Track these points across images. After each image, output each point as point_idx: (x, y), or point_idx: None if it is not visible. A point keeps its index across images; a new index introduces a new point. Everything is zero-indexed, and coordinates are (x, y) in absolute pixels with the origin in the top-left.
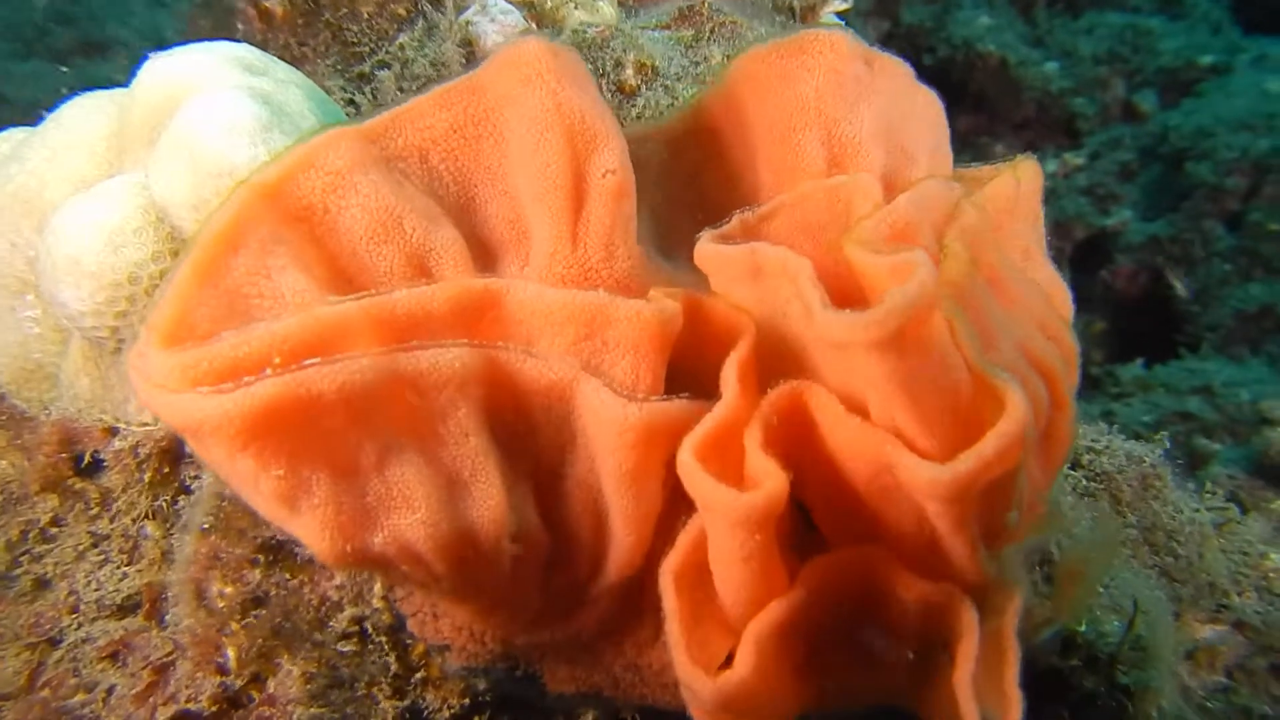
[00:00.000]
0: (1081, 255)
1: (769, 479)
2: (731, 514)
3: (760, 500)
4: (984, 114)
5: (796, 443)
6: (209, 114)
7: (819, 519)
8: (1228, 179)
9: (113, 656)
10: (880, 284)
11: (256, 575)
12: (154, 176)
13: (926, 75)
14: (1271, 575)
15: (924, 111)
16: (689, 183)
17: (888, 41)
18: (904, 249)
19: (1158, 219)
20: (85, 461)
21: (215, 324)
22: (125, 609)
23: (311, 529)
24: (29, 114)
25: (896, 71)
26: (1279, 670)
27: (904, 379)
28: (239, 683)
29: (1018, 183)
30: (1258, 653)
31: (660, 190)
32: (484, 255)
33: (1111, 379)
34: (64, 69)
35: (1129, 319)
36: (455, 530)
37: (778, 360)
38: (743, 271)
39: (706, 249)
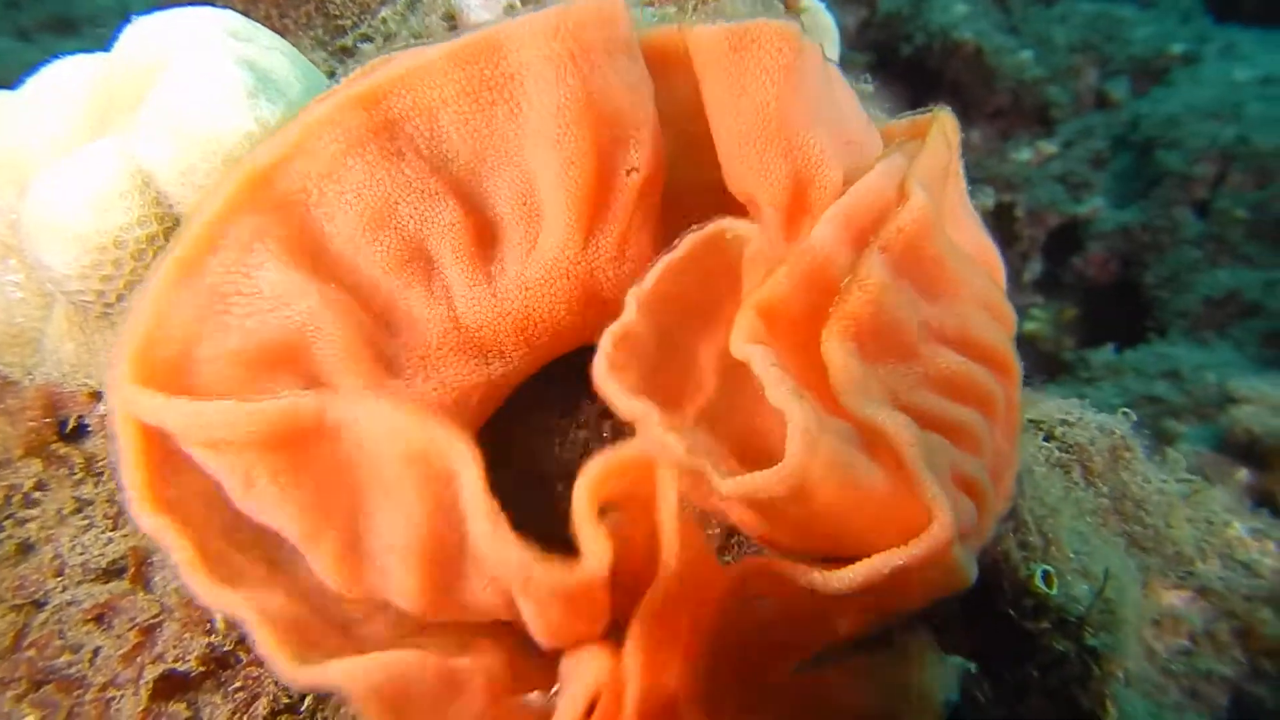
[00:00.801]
0: (1055, 243)
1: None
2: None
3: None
4: (959, 102)
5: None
6: (194, 79)
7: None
8: (1196, 166)
9: (98, 619)
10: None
11: None
12: (139, 141)
13: (904, 64)
14: (1234, 543)
15: (842, 91)
16: None
17: (865, 29)
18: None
19: (1129, 206)
20: (70, 427)
21: (188, 327)
22: (110, 573)
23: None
24: None
25: (816, 55)
26: (1241, 634)
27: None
28: (228, 644)
29: (950, 147)
30: (1221, 618)
31: None
32: (486, 233)
33: (1083, 364)
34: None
35: (1101, 305)
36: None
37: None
38: None
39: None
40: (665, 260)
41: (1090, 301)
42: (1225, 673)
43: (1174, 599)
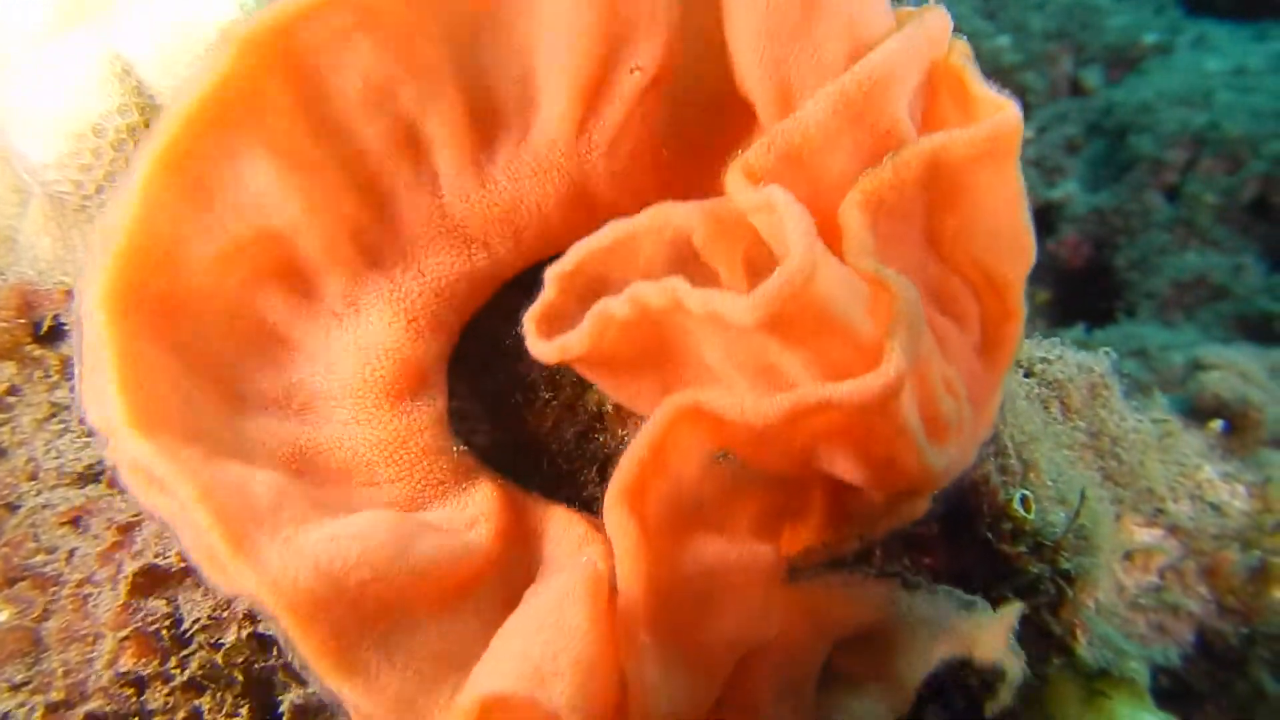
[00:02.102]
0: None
1: None
2: None
3: None
4: None
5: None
6: None
7: None
8: (1168, 152)
9: (74, 522)
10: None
11: None
12: (118, 30)
13: None
14: (1204, 485)
15: None
16: None
17: None
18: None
19: (1101, 191)
20: (45, 327)
21: (174, 222)
22: (86, 478)
23: None
24: None
25: None
26: (1206, 572)
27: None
28: None
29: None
30: (1189, 556)
31: None
32: (485, 118)
33: None
34: None
35: (1073, 288)
36: None
37: None
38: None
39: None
40: (586, 245)
41: (1063, 283)
42: (1191, 608)
43: (1145, 535)
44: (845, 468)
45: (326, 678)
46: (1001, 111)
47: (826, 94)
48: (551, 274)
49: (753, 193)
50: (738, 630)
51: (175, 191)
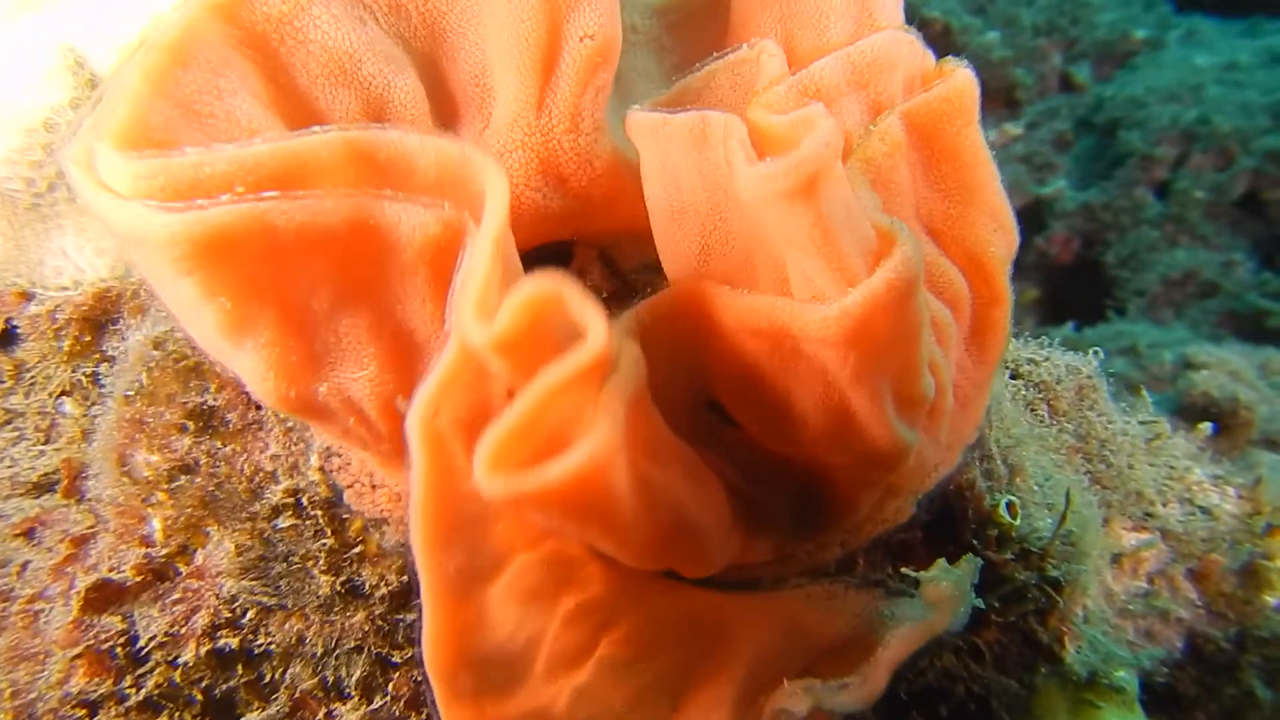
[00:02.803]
0: (1019, 223)
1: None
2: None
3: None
4: None
5: (694, 341)
6: None
7: (735, 415)
8: (1158, 147)
9: (27, 534)
10: (785, 143)
11: (185, 442)
12: (70, 19)
13: None
14: (1194, 488)
15: None
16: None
17: None
18: (806, 106)
19: (1091, 187)
20: None
21: (171, 134)
22: (41, 487)
23: (255, 368)
24: None
25: None
26: (1196, 576)
27: (817, 227)
28: (165, 554)
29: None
30: (1178, 560)
31: (642, 57)
32: (446, 111)
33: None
34: None
35: (1062, 284)
36: (403, 392)
37: (728, 248)
38: (687, 141)
39: (643, 118)
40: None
41: (1052, 280)
42: (1181, 614)
43: (1133, 539)
44: (813, 414)
45: None
46: (956, 71)
47: (838, 55)
48: None
49: (791, 113)
50: None
51: None
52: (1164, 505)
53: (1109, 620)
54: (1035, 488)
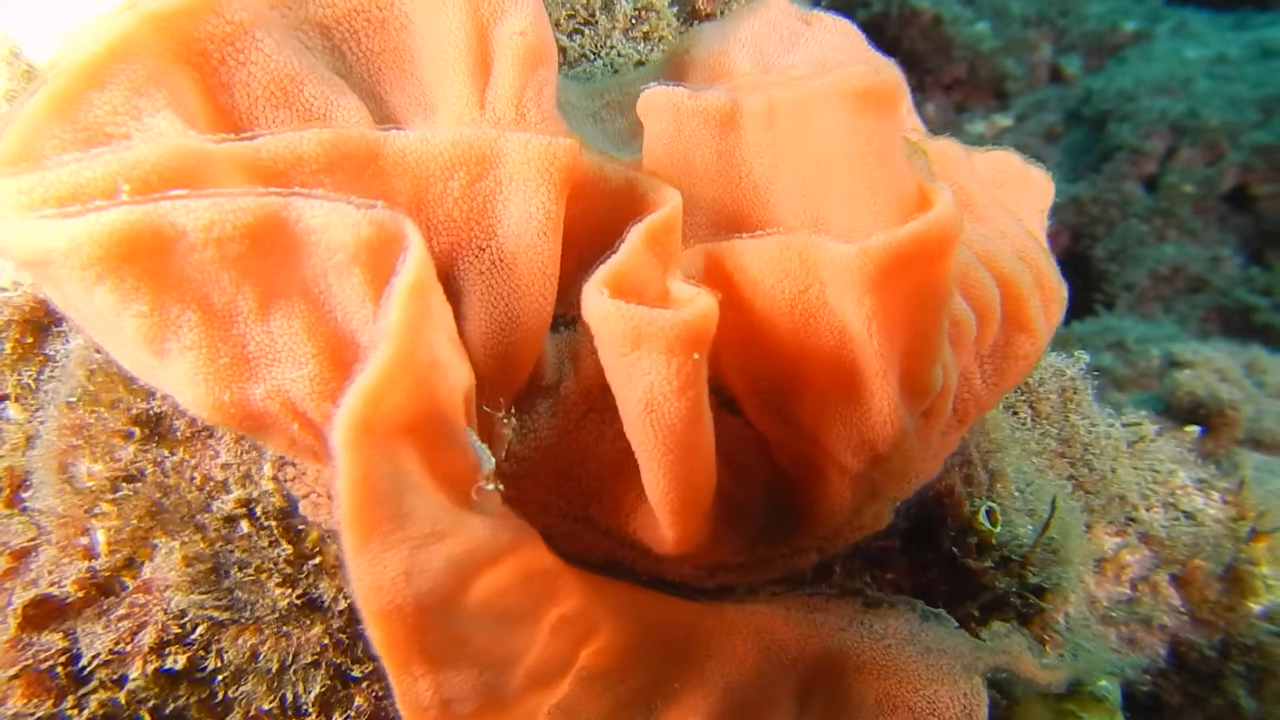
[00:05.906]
0: None
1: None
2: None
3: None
4: (916, 72)
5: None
6: None
7: (738, 390)
8: (1147, 141)
9: None
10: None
11: (130, 451)
12: (5, 6)
13: (860, 29)
14: (1179, 492)
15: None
16: None
17: None
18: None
19: (1080, 180)
20: None
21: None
22: None
23: (183, 375)
24: None
25: (835, 26)
26: (1180, 582)
27: (874, 141)
28: (109, 567)
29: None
30: (1161, 565)
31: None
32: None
33: None
34: None
35: None
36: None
37: (730, 224)
38: (712, 123)
39: (665, 93)
40: None
41: None
42: (1164, 621)
43: (1116, 544)
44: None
45: None
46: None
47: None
48: None
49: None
50: None
51: None
52: (1148, 510)
53: (1092, 627)
54: (1016, 493)
